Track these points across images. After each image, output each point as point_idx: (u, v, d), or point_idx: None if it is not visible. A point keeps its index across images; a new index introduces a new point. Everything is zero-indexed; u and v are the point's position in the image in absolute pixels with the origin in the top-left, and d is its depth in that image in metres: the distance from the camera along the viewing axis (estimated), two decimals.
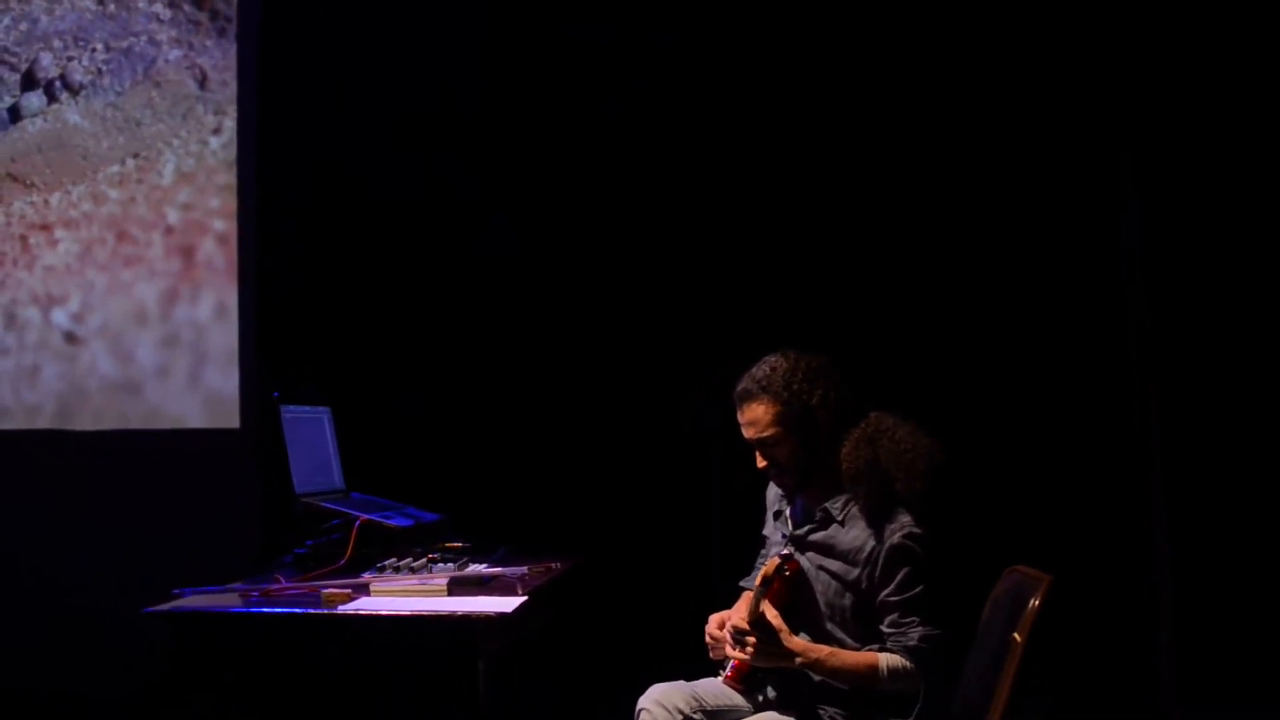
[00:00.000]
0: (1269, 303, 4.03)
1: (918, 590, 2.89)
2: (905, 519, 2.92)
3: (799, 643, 2.92)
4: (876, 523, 2.94)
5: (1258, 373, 4.02)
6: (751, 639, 2.90)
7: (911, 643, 2.86)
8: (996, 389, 4.16)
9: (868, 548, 2.93)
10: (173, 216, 4.78)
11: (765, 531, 3.27)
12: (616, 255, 4.43)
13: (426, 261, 4.51)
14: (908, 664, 2.86)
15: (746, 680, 3.03)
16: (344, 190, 4.58)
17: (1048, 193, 4.24)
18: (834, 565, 2.98)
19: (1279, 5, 4.02)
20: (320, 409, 4.10)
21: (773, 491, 3.23)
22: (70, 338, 4.78)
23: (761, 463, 3.06)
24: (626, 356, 4.37)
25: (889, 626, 2.90)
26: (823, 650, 2.92)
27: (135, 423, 4.72)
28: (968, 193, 4.26)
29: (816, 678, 2.92)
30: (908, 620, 2.88)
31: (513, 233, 4.47)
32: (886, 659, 2.87)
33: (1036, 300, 4.22)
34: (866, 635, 2.94)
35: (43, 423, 4.77)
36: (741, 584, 3.28)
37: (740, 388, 3.04)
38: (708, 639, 3.07)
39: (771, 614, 2.92)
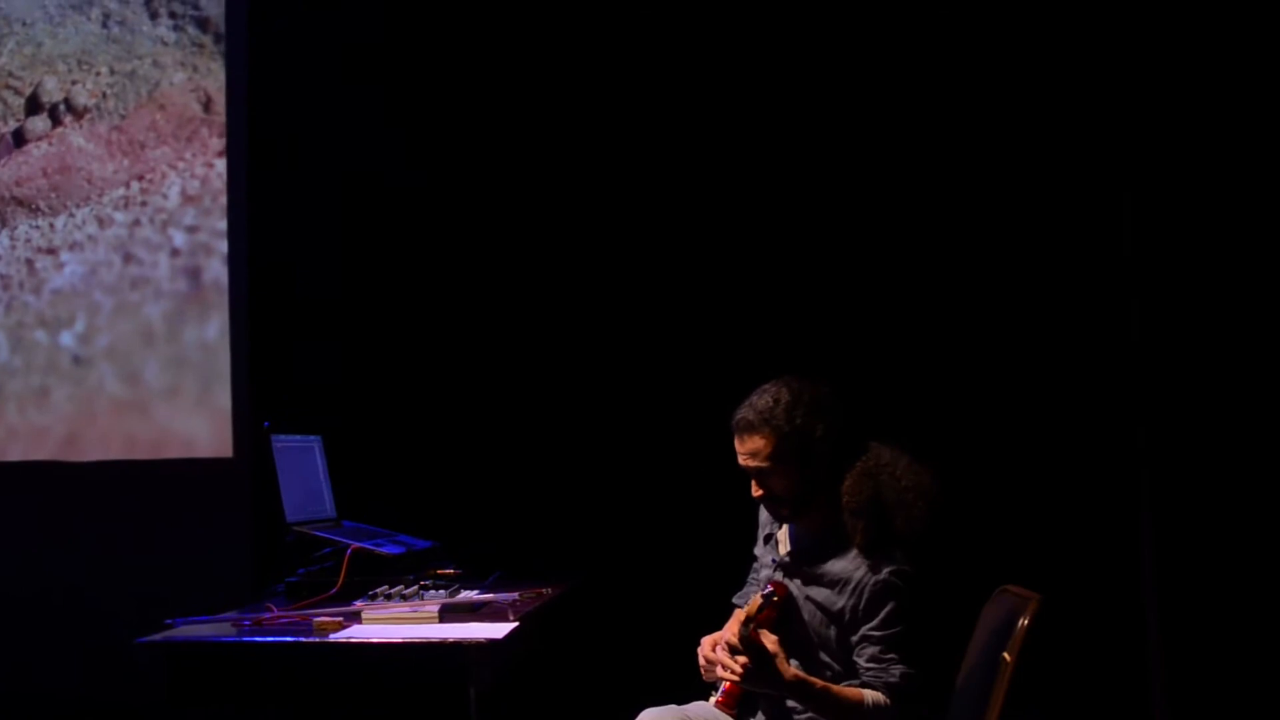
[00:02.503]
0: (1267, 315, 4.01)
1: (900, 629, 2.86)
2: (896, 555, 2.90)
3: (793, 671, 2.89)
4: (869, 556, 2.91)
5: (1247, 384, 3.98)
6: (742, 659, 2.89)
7: (893, 679, 2.84)
8: (986, 400, 4.14)
9: (855, 578, 2.91)
10: (179, 239, 4.81)
11: (756, 551, 3.27)
12: (610, 260, 4.43)
13: (423, 271, 4.52)
14: (887, 701, 2.84)
15: (738, 704, 3.02)
16: (336, 195, 4.60)
17: (1045, 207, 4.22)
18: (820, 594, 2.96)
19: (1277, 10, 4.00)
20: (311, 438, 4.13)
21: (764, 513, 3.21)
22: (77, 360, 4.82)
23: (757, 491, 3.01)
24: (613, 370, 4.36)
25: (870, 661, 2.87)
26: (817, 683, 2.89)
27: (143, 444, 4.75)
28: (962, 200, 4.25)
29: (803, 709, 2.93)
30: (889, 656, 2.86)
31: (505, 233, 4.47)
32: (871, 694, 2.85)
33: (1028, 305, 4.20)
34: (853, 667, 2.93)
35: (51, 444, 4.80)
36: (734, 600, 3.27)
37: (740, 417, 2.97)
38: (700, 661, 3.06)
39: (769, 640, 2.91)
